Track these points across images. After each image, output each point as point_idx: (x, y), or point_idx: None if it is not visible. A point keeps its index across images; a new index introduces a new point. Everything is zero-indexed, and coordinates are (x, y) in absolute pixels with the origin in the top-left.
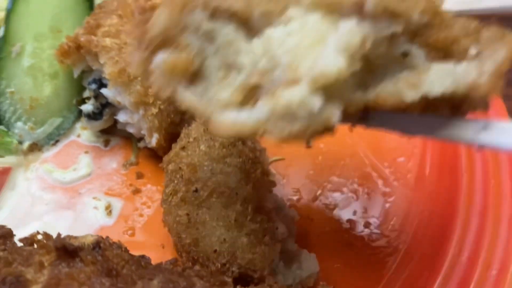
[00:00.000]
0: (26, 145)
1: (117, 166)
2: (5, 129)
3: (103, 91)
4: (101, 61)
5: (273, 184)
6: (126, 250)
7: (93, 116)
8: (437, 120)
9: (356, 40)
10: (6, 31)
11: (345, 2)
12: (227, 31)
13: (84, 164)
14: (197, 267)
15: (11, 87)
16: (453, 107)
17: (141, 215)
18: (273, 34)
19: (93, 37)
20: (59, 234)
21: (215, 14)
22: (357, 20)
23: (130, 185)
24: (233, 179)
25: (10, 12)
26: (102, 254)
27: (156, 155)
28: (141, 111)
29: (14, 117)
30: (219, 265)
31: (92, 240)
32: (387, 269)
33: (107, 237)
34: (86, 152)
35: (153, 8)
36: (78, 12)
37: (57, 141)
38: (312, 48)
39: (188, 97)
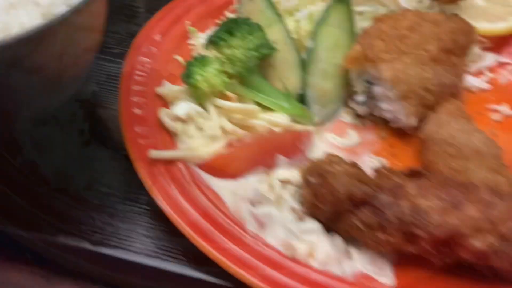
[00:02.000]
0: (317, 119)
1: (375, 137)
2: (308, 108)
3: (375, 88)
4: (379, 68)
5: None
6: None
7: (362, 103)
8: None
9: None
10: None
11: None
12: None
13: (353, 134)
14: None
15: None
16: None
17: None
18: None
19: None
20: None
21: None
22: None
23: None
24: None
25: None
26: None
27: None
28: (405, 103)
29: (312, 101)
30: None
31: None
32: None
33: None
34: (352, 127)
35: None
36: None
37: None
38: None
39: None
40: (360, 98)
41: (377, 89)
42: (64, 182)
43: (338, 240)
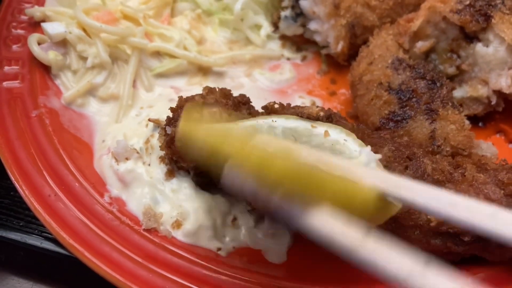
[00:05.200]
0: None
1: (313, 72)
2: None
3: (301, 2)
4: None
5: None
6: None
7: (290, 18)
8: None
9: None
10: None
11: None
12: None
13: (287, 69)
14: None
15: None
16: None
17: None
18: None
19: None
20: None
21: None
22: None
23: (327, 88)
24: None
25: None
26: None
27: (343, 67)
28: (332, 21)
29: None
30: (435, 147)
31: (322, 112)
32: None
33: (337, 111)
34: (288, 59)
35: None
36: None
37: None
38: None
39: None
40: (287, 13)
41: (304, 3)
42: None
43: (221, 204)
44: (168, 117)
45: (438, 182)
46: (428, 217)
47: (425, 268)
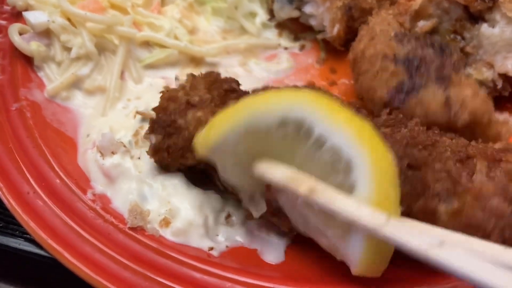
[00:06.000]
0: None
1: (312, 61)
2: None
3: None
4: None
5: None
6: None
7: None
8: None
9: None
10: None
11: None
12: None
13: (284, 59)
14: None
15: None
16: None
17: None
18: None
19: None
20: None
21: None
22: None
23: (327, 78)
24: None
25: None
26: None
27: (342, 53)
28: (327, 4)
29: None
30: (452, 115)
31: None
32: None
33: None
34: (285, 48)
35: None
36: None
37: None
38: None
39: None
40: None
41: None
42: None
43: (214, 201)
44: (151, 120)
45: (438, 196)
46: None
47: None
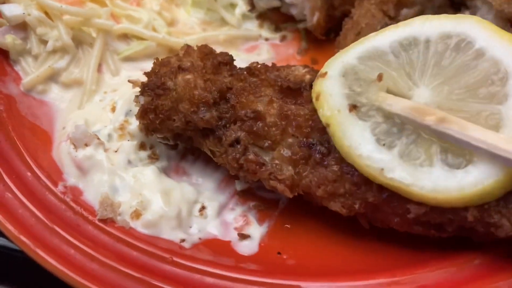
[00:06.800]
0: None
1: (293, 52)
2: None
3: None
4: None
5: None
6: None
7: None
8: None
9: None
10: None
11: None
12: None
13: (265, 50)
14: None
15: None
16: None
17: None
18: None
19: None
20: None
21: None
22: None
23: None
24: None
25: None
26: None
27: (323, 44)
28: None
29: None
30: None
31: (309, 74)
32: None
33: None
34: (266, 39)
35: None
36: None
37: None
38: None
39: None
40: None
41: None
42: None
43: (187, 192)
44: (142, 83)
45: None
46: (408, 206)
47: None
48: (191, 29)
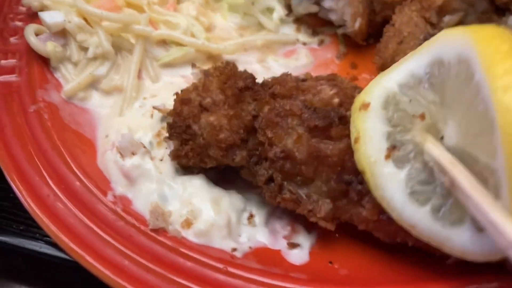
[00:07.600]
0: None
1: (332, 56)
2: None
3: None
4: None
5: None
6: None
7: None
8: None
9: None
10: None
11: None
12: None
13: (303, 54)
14: None
15: None
16: None
17: None
18: None
19: None
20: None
21: None
22: None
23: (347, 73)
24: None
25: None
26: None
27: (362, 48)
28: None
29: None
30: None
31: (337, 97)
32: None
33: None
34: (304, 44)
35: None
36: None
37: None
38: None
39: None
40: None
41: None
42: None
43: (236, 200)
44: (168, 125)
45: None
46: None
47: None
48: (228, 34)
